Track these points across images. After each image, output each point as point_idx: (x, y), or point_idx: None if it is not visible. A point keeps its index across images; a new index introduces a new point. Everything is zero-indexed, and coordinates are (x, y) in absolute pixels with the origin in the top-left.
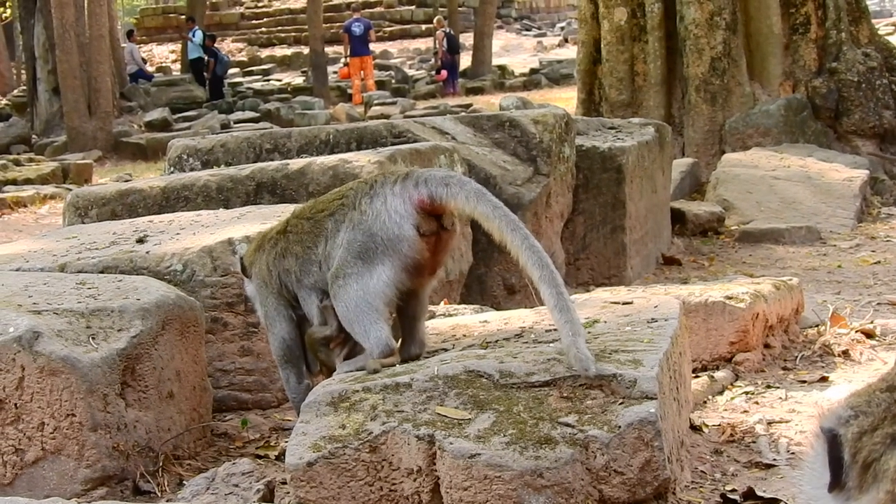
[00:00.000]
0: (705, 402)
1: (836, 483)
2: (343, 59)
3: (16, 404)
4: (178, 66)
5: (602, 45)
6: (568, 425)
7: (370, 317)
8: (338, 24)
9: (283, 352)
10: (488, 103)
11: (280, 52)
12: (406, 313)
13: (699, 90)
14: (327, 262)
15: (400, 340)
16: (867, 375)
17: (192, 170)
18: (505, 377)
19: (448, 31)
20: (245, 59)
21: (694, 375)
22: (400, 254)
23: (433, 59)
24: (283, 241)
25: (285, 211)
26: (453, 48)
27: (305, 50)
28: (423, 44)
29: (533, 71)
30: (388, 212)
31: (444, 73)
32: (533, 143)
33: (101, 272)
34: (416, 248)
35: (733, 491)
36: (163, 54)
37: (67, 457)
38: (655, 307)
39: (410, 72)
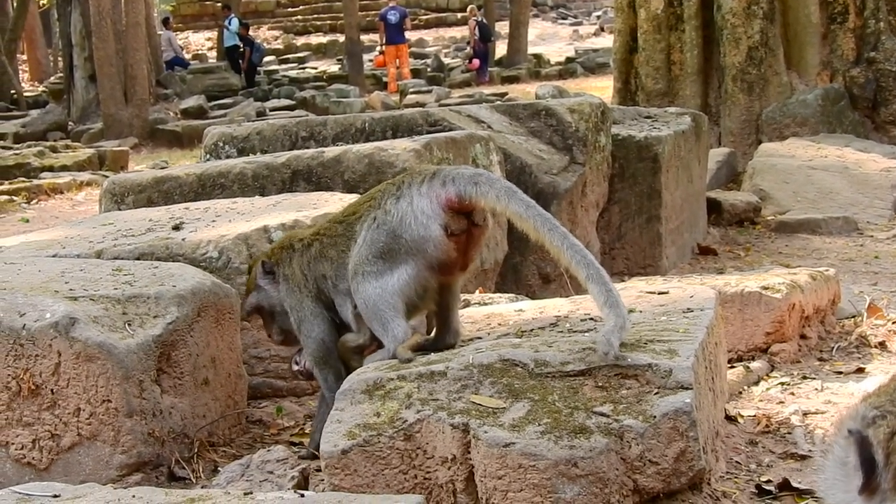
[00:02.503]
0: (741, 393)
1: (869, 485)
2: (379, 48)
3: (52, 390)
4: (214, 53)
5: (638, 34)
6: (603, 415)
7: (388, 313)
8: (374, 12)
9: (322, 353)
10: (524, 92)
11: (316, 40)
12: (439, 304)
13: (736, 79)
14: None
15: (434, 331)
16: None
17: (227, 157)
18: (540, 366)
19: (480, 19)
20: (281, 46)
21: (729, 366)
22: (425, 254)
23: (467, 48)
24: (317, 245)
25: (321, 198)
26: (485, 36)
27: (341, 38)
28: (459, 32)
29: (569, 60)
30: (415, 213)
31: (476, 61)
32: (569, 132)
33: (138, 259)
34: (443, 249)
35: (769, 482)
36: (199, 42)
37: (103, 442)
38: (691, 297)
39: (446, 60)
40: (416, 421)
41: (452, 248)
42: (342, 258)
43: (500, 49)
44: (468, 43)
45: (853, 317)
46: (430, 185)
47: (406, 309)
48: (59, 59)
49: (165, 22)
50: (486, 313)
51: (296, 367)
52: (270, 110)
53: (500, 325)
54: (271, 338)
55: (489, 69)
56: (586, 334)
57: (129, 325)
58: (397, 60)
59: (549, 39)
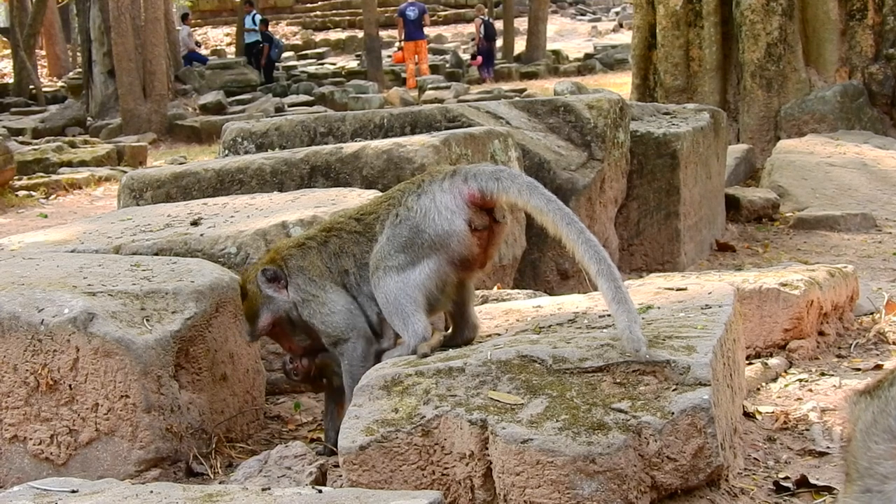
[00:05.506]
0: (759, 389)
1: None
2: (397, 43)
3: (70, 385)
4: (232, 49)
5: (657, 31)
6: (621, 411)
7: (409, 308)
8: (392, 7)
9: (349, 319)
10: (542, 88)
11: (334, 35)
12: (455, 302)
13: (755, 76)
14: None
15: (452, 327)
16: None
17: (246, 153)
18: (558, 362)
19: (485, 18)
20: (299, 42)
21: (747, 362)
22: (448, 249)
23: (474, 47)
24: (335, 240)
25: (339, 194)
26: (490, 35)
27: (360, 34)
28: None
29: (587, 56)
30: (438, 208)
31: (479, 59)
32: (587, 129)
33: (156, 254)
34: (466, 244)
35: (786, 478)
36: (217, 37)
37: (121, 438)
38: (709, 293)
39: (464, 56)
40: (434, 417)
41: (475, 244)
42: (365, 257)
43: (519, 45)
44: (473, 40)
45: (871, 313)
46: (452, 182)
47: (426, 305)
48: (78, 54)
49: (184, 17)
50: (505, 309)
51: (289, 366)
52: (289, 106)
53: (518, 321)
54: (293, 350)
55: (492, 68)
56: (604, 331)
57: (148, 320)
58: (416, 56)
59: (568, 35)
